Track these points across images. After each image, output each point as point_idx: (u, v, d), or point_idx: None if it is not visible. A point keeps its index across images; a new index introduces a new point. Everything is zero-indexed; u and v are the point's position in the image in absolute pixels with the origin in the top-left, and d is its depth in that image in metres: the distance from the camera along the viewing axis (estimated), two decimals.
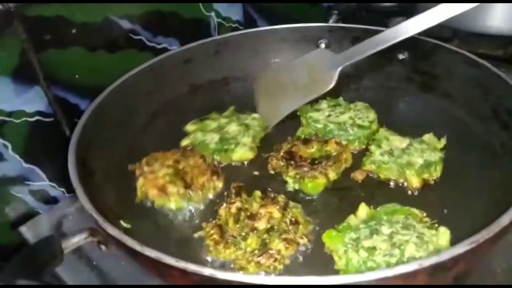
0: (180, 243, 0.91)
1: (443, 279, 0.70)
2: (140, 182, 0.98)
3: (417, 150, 1.02)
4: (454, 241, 0.82)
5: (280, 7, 1.49)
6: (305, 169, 1.01)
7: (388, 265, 0.79)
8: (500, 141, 1.00)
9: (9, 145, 1.02)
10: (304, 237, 0.88)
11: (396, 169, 1.00)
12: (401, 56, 1.23)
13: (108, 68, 1.13)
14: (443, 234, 0.85)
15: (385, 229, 0.85)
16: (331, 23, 1.51)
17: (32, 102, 1.04)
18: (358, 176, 1.03)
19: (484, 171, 0.98)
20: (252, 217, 0.89)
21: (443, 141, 1.06)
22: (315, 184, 1.00)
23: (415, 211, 0.91)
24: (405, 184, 0.99)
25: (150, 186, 0.96)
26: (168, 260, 0.64)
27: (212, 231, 0.88)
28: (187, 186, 0.97)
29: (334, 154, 1.05)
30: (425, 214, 0.90)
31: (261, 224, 0.88)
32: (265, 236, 0.87)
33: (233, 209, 0.92)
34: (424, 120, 1.15)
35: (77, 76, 1.09)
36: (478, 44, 1.34)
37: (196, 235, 0.91)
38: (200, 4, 1.29)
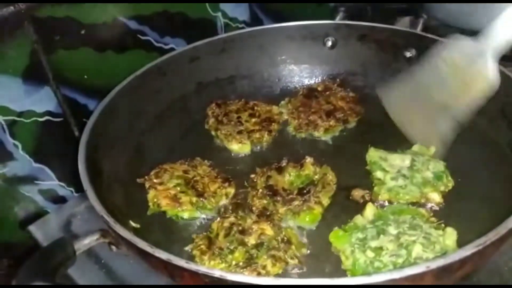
0: (188, 242, 0.91)
1: (450, 280, 0.71)
2: (151, 194, 0.98)
3: (422, 163, 0.98)
4: (462, 242, 0.82)
5: (286, 7, 1.49)
6: (297, 202, 0.94)
7: (395, 266, 0.79)
8: (508, 141, 0.99)
9: (19, 145, 1.04)
10: (295, 258, 0.85)
11: (417, 191, 0.94)
12: (408, 54, 1.22)
13: (116, 69, 1.13)
14: (450, 235, 0.84)
15: (392, 229, 0.85)
16: (337, 20, 1.51)
17: (41, 102, 1.05)
18: (358, 195, 0.98)
19: (491, 171, 0.98)
20: (243, 232, 0.87)
21: (432, 149, 1.02)
22: (313, 215, 0.93)
23: (422, 211, 0.91)
24: (428, 203, 0.95)
25: (162, 197, 0.96)
26: (178, 262, 0.65)
27: (200, 242, 0.87)
28: (200, 195, 0.97)
29: (316, 177, 1.00)
30: (432, 214, 0.90)
31: (251, 240, 0.86)
32: (253, 251, 0.84)
33: (226, 224, 0.90)
34: None
35: (86, 77, 1.10)
36: None
37: (187, 248, 0.89)
38: (207, 4, 1.29)
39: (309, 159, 1.03)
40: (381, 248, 0.82)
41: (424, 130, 1.01)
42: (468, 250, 0.65)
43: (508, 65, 1.07)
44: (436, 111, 0.96)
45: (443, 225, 0.87)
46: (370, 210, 0.92)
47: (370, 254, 0.82)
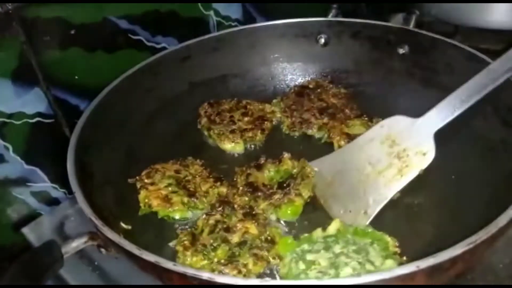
0: None
1: (443, 279, 0.70)
2: (142, 194, 0.97)
3: None
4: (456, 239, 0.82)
5: (280, 5, 1.49)
6: (278, 196, 0.95)
7: None
8: (501, 138, 0.98)
9: (10, 147, 1.03)
10: (277, 257, 0.85)
11: None
12: (401, 51, 1.21)
13: (107, 69, 1.12)
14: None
15: (337, 248, 0.82)
16: (330, 17, 1.50)
17: (32, 103, 1.04)
18: None
19: (484, 168, 0.97)
20: (228, 229, 0.88)
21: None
22: (294, 208, 0.94)
23: (387, 238, 0.85)
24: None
25: (153, 197, 0.95)
26: (165, 264, 0.64)
27: (184, 238, 0.87)
28: (191, 195, 0.96)
29: (295, 171, 1.01)
30: (397, 244, 0.84)
31: (235, 238, 0.86)
32: (236, 249, 0.84)
33: (211, 221, 0.90)
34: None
35: (76, 77, 1.10)
36: (480, 39, 1.33)
37: (171, 244, 0.90)
38: (199, 3, 1.29)
39: (286, 155, 1.04)
40: (313, 262, 0.80)
41: (349, 206, 0.96)
42: (459, 249, 0.64)
43: None
44: (366, 187, 0.96)
45: (398, 257, 0.82)
46: (334, 225, 0.89)
47: (301, 266, 0.80)
